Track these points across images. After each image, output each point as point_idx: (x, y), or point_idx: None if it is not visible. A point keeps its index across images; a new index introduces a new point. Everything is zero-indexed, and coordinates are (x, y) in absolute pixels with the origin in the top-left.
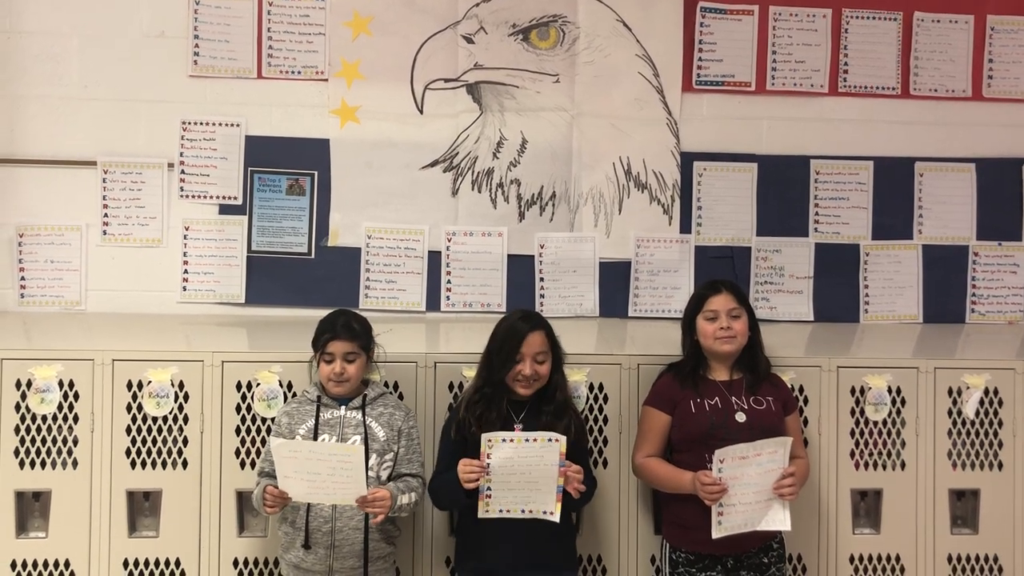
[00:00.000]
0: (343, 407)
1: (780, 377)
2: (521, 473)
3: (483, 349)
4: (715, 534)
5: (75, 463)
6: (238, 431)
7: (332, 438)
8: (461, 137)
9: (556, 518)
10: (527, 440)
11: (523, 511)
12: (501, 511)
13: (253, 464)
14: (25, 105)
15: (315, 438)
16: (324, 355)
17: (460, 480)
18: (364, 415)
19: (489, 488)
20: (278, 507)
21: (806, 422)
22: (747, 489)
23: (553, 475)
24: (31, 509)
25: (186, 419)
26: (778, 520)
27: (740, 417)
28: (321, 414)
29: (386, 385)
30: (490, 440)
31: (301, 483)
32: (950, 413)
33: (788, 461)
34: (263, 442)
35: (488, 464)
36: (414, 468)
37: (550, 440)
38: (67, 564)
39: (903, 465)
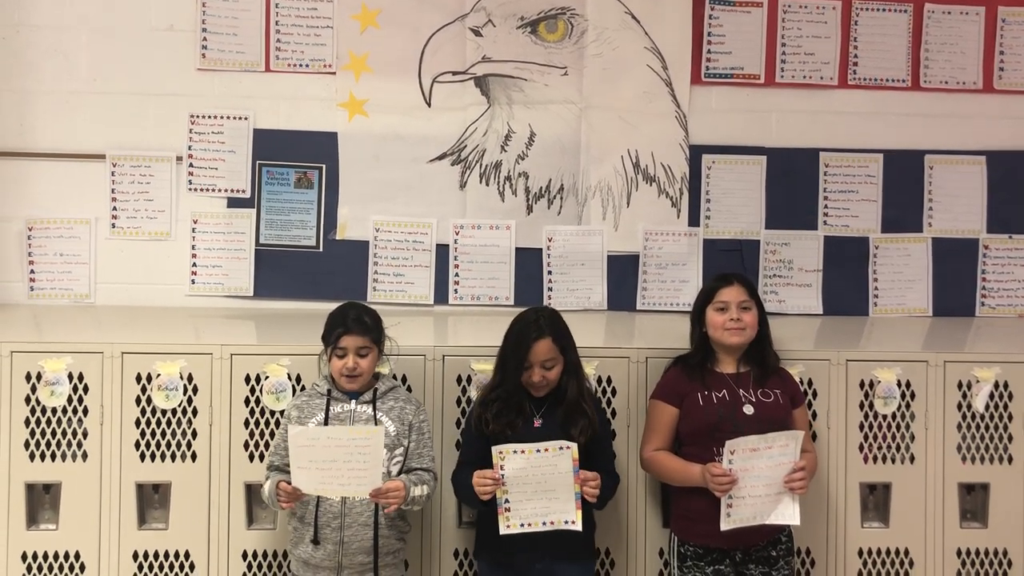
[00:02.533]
0: (353, 401)
1: (788, 371)
2: (537, 482)
3: (492, 342)
4: (724, 526)
5: (85, 455)
6: (247, 424)
7: None
8: (469, 130)
9: (578, 527)
10: (538, 451)
11: (544, 523)
12: (523, 525)
13: (262, 457)
14: (34, 99)
15: None
16: (336, 350)
17: (475, 492)
18: (375, 409)
19: (507, 500)
20: (292, 503)
21: (815, 415)
22: (757, 481)
23: (569, 482)
24: (41, 501)
25: (195, 412)
26: (787, 514)
27: (748, 410)
28: (331, 408)
29: (395, 378)
30: (501, 452)
31: (316, 473)
32: (960, 407)
33: (799, 455)
34: (272, 435)
35: (502, 475)
36: (425, 462)
37: (561, 448)
38: (77, 556)
39: (912, 459)
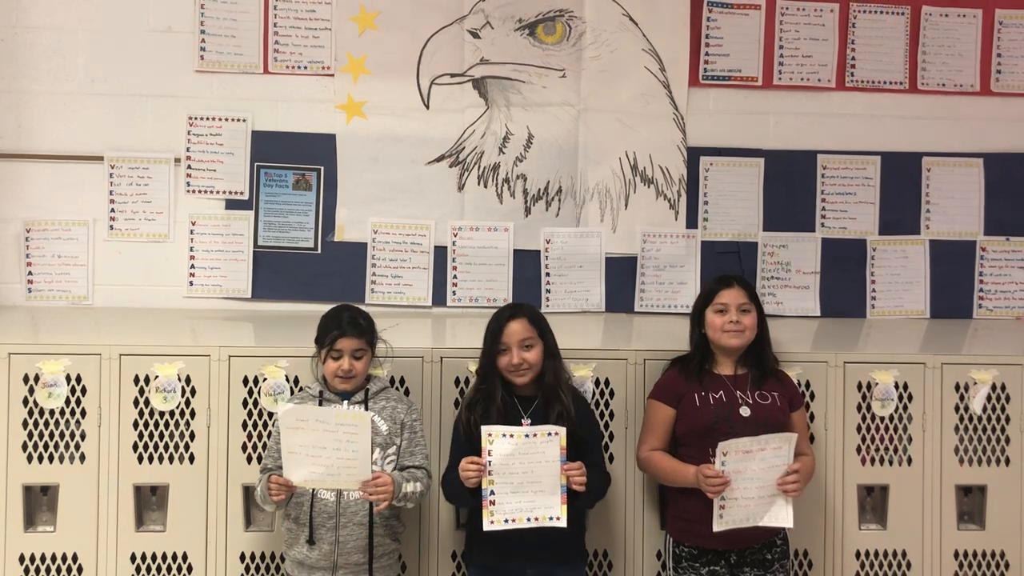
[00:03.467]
0: (345, 402)
1: (786, 373)
2: (523, 472)
3: None
4: (716, 527)
5: (83, 457)
6: (244, 426)
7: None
8: (467, 132)
9: (563, 523)
10: (527, 436)
11: (529, 519)
12: (507, 520)
13: (260, 459)
14: (32, 100)
15: None
16: (332, 352)
17: (461, 479)
18: (367, 409)
19: (492, 493)
20: (284, 495)
21: (812, 417)
22: (750, 483)
23: (555, 472)
24: (39, 503)
25: (193, 414)
26: (781, 517)
27: (744, 411)
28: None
29: (392, 380)
30: (490, 434)
31: (305, 459)
32: (957, 409)
33: (793, 458)
34: (269, 436)
35: (489, 462)
36: (417, 460)
37: (550, 434)
38: (75, 558)
39: (910, 461)
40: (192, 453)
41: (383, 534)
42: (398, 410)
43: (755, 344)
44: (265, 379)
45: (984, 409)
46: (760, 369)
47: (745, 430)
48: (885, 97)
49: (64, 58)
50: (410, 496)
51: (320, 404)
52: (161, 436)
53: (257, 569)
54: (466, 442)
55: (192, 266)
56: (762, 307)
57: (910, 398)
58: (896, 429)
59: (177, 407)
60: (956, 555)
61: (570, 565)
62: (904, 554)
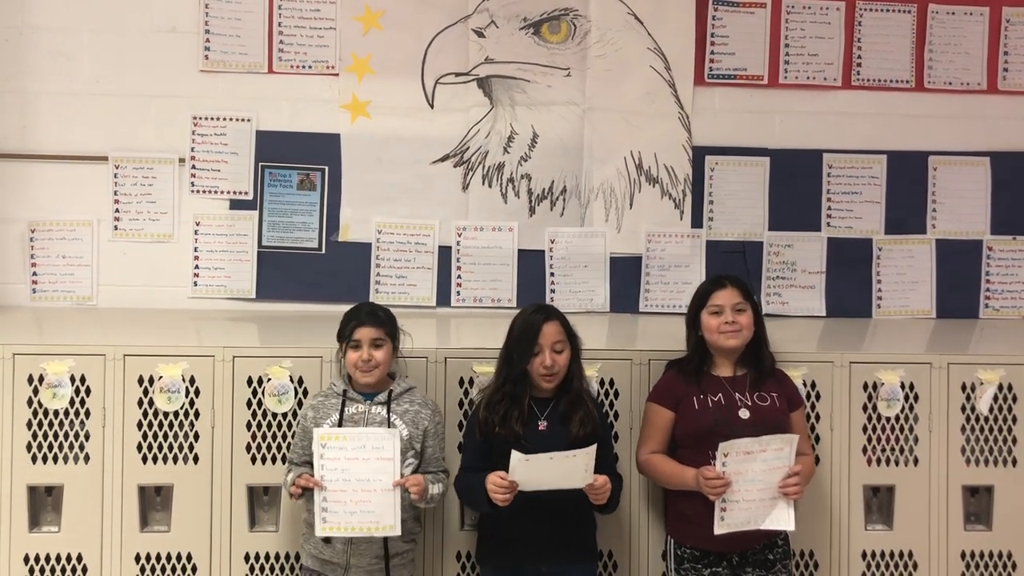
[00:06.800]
0: (368, 402)
1: (785, 373)
2: (549, 481)
3: (495, 344)
4: (717, 530)
5: (87, 458)
6: (249, 426)
7: None
8: (472, 132)
9: (590, 479)
10: (550, 459)
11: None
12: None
13: (264, 459)
14: (36, 100)
15: None
16: (351, 342)
17: (491, 499)
18: (389, 411)
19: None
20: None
21: (818, 418)
22: (751, 485)
23: (578, 476)
24: (44, 503)
25: (197, 414)
26: (783, 520)
27: (744, 414)
28: (346, 408)
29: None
30: (526, 459)
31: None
32: (963, 409)
33: (794, 459)
34: (273, 437)
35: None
36: (443, 465)
37: (575, 456)
38: (79, 558)
39: (916, 461)
40: (196, 454)
41: (397, 538)
42: (421, 415)
43: (752, 343)
44: (269, 379)
45: (991, 409)
46: (759, 370)
47: (744, 432)
48: (891, 96)
49: (68, 58)
50: (435, 498)
51: (343, 403)
52: (165, 437)
53: (262, 569)
54: (482, 443)
55: (196, 266)
56: (757, 306)
57: (916, 398)
58: (902, 429)
59: (181, 408)
60: (963, 556)
61: (583, 564)
62: (911, 555)
